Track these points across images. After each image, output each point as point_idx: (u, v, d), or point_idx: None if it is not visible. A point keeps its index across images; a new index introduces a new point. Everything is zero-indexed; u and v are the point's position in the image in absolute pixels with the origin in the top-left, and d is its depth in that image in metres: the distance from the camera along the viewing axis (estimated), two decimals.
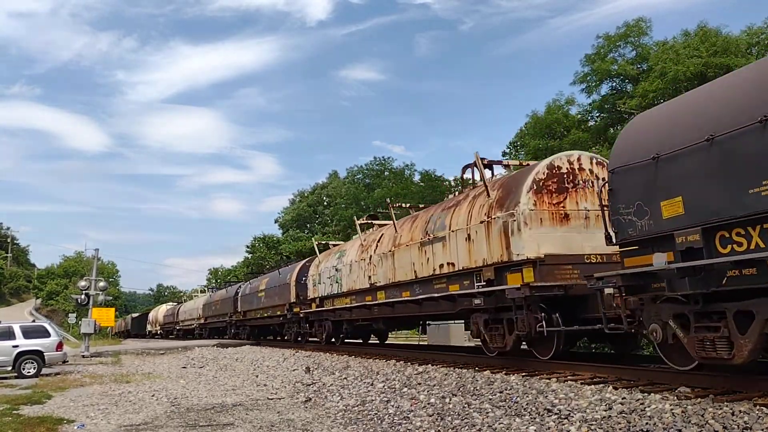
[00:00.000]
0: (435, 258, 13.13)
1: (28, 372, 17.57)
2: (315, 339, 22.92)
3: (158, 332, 63.43)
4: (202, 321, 43.16)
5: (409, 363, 13.37)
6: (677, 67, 24.70)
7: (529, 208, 10.35)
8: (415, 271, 14.00)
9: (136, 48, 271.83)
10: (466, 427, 6.95)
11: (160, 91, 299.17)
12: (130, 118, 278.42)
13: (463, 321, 16.04)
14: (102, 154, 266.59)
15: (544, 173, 10.70)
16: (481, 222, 11.39)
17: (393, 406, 8.78)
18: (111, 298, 37.17)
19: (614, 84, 32.15)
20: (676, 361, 7.80)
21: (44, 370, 18.13)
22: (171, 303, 72.32)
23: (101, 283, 29.95)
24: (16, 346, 17.79)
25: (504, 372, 10.27)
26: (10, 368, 17.71)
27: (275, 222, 75.47)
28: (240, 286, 35.00)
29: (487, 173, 12.46)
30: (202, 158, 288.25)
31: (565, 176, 10.79)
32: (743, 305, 6.54)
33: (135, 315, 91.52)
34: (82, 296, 29.33)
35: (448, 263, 12.59)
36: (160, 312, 65.24)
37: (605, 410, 6.58)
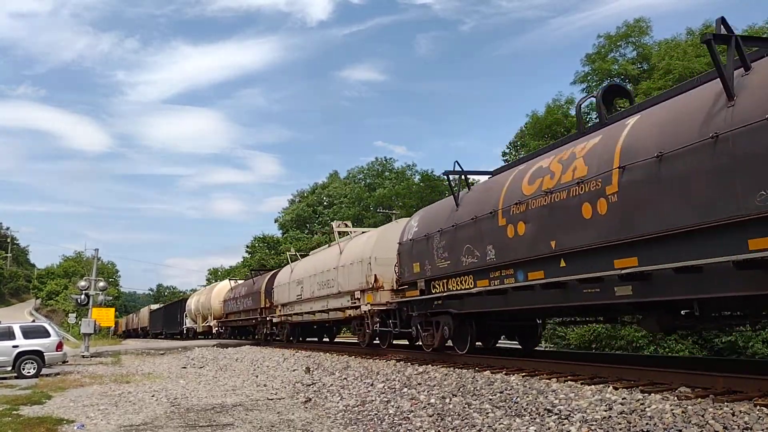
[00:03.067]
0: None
1: (28, 372, 17.57)
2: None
3: (216, 330, 37.44)
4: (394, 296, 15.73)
5: (409, 363, 13.37)
6: (684, 63, 24.66)
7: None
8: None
9: (138, 48, 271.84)
10: (466, 428, 6.94)
11: (161, 91, 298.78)
12: (131, 118, 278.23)
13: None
14: (103, 154, 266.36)
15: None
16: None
17: (393, 406, 8.77)
18: (111, 298, 37.14)
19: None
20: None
21: (44, 371, 18.13)
22: (234, 279, 39.63)
23: (101, 283, 29.98)
24: (16, 347, 17.79)
25: (504, 372, 10.26)
26: (10, 368, 17.71)
27: (275, 222, 75.48)
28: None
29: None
30: (203, 158, 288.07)
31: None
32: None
33: (156, 307, 67.85)
34: (82, 296, 29.37)
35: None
36: (215, 295, 37.82)
37: (605, 410, 6.57)
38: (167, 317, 53.21)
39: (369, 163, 70.76)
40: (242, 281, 36.46)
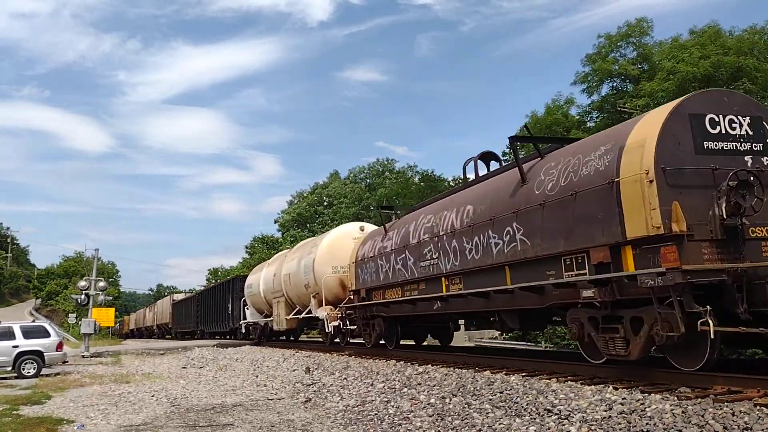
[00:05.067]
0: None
1: (28, 372, 17.58)
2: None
3: (336, 326, 17.91)
4: None
5: (409, 363, 13.36)
6: (688, 68, 24.67)
7: None
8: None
9: (139, 49, 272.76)
10: (466, 428, 6.94)
11: (162, 91, 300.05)
12: (131, 118, 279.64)
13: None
14: (103, 154, 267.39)
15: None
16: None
17: (393, 406, 8.77)
18: (111, 298, 37.17)
19: (615, 84, 32.10)
20: None
21: (44, 371, 18.14)
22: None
23: (101, 283, 30.00)
24: (16, 346, 17.80)
25: (504, 372, 10.26)
26: (10, 368, 17.72)
27: (275, 222, 75.50)
28: None
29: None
30: (204, 158, 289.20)
31: None
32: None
33: (181, 297, 51.84)
34: (82, 296, 29.40)
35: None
36: (324, 257, 19.26)
37: (605, 410, 6.57)
38: (207, 309, 37.61)
39: (370, 163, 71.09)
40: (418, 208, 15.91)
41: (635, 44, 31.74)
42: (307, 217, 70.22)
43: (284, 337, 27.72)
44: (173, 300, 52.45)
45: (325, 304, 18.95)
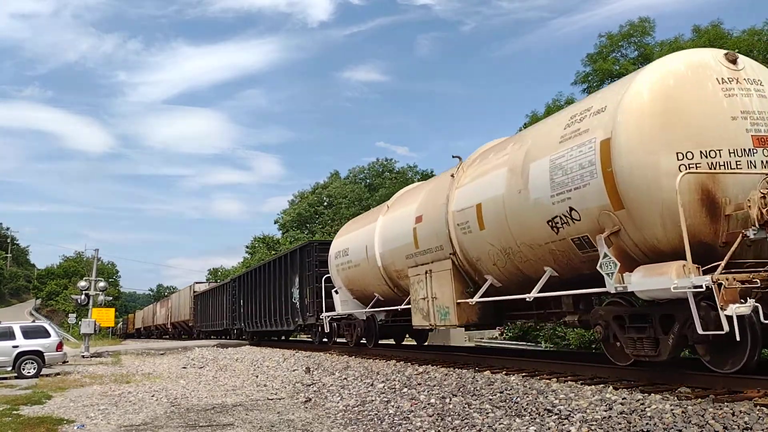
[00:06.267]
0: None
1: (28, 372, 17.59)
2: None
3: None
4: None
5: (409, 363, 13.36)
6: None
7: None
8: None
9: (139, 50, 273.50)
10: (466, 428, 6.94)
11: (163, 91, 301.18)
12: (132, 119, 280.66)
13: None
14: (104, 154, 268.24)
15: None
16: None
17: (393, 406, 8.76)
18: (111, 298, 37.18)
19: None
20: None
21: (44, 371, 18.14)
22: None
23: (101, 284, 30.05)
24: (16, 347, 17.81)
25: (504, 372, 10.26)
26: (10, 368, 17.73)
27: (275, 223, 75.53)
28: None
29: None
30: (204, 159, 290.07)
31: None
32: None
33: (205, 287, 40.48)
34: (82, 296, 29.43)
35: None
36: (634, 110, 6.82)
37: (605, 410, 6.56)
38: (252, 298, 25.99)
39: (370, 164, 71.27)
40: None
41: (637, 44, 31.68)
42: (307, 218, 70.27)
43: (397, 341, 18.03)
44: (194, 291, 40.37)
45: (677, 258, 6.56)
